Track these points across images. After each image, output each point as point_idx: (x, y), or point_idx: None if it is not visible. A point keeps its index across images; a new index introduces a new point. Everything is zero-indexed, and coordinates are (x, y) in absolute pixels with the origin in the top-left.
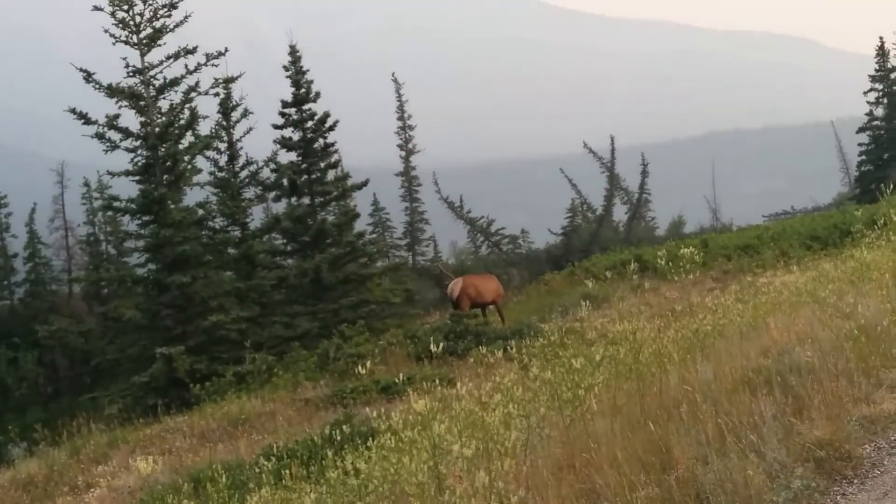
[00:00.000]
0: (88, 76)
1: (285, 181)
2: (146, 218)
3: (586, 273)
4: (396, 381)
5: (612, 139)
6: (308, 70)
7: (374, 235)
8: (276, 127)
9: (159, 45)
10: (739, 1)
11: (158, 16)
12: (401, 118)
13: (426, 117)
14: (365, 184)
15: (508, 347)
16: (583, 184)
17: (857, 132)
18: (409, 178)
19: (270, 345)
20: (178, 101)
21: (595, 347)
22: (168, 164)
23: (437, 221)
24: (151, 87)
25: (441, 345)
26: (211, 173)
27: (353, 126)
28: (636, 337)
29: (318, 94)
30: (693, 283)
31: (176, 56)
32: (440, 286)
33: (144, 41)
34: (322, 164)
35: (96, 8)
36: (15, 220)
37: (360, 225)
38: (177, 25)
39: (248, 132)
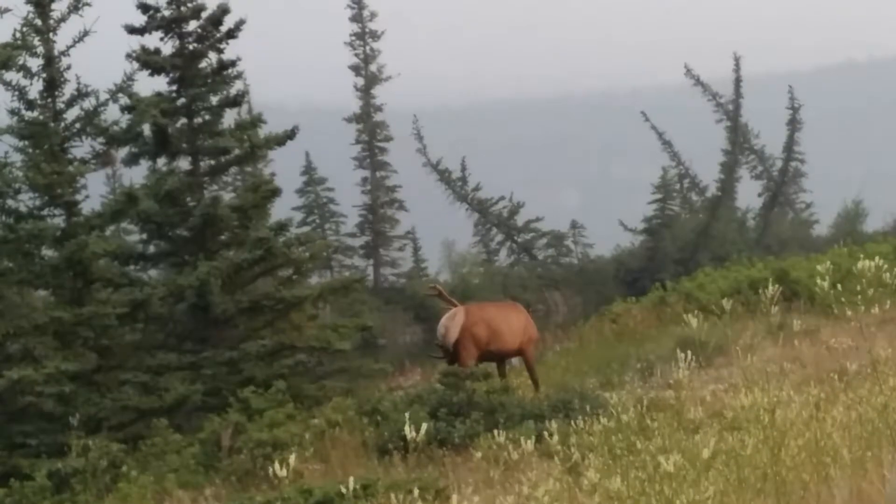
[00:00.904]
0: None
1: (147, 129)
2: None
3: (687, 301)
4: (343, 491)
5: (737, 60)
6: None
7: (308, 229)
8: (131, 31)
9: None
10: None
11: None
12: (357, 19)
13: (398, 30)
14: (292, 135)
15: (546, 433)
16: (679, 141)
17: None
18: (369, 126)
19: (116, 423)
20: None
21: (701, 436)
22: None
23: (419, 203)
24: None
25: (425, 427)
26: (13, 113)
27: (274, 44)
28: (775, 419)
29: None
30: (880, 321)
31: None
32: (427, 321)
33: None
34: (214, 100)
35: None
36: None
37: (282, 209)
38: None
39: (80, 39)
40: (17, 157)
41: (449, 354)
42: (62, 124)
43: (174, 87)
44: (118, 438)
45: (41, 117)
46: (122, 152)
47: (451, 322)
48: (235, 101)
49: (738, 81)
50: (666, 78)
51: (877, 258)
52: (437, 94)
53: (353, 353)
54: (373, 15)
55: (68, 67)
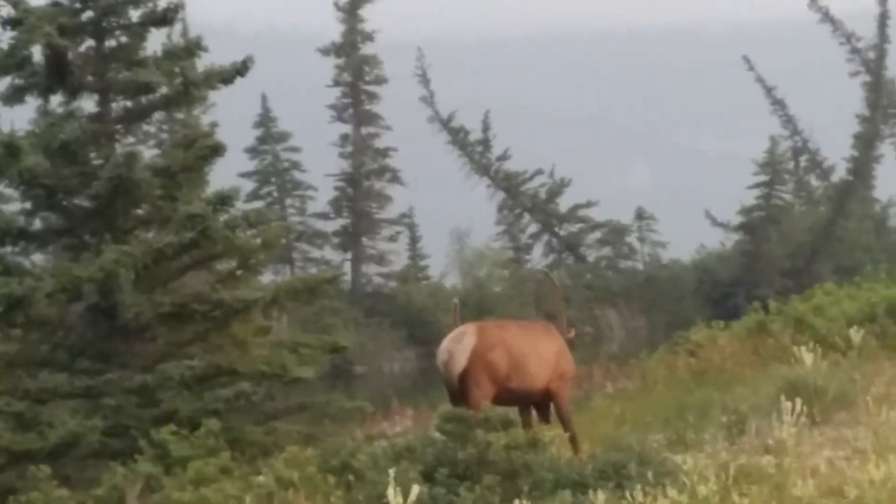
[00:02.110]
0: None
1: (38, 53)
2: None
3: (798, 331)
4: None
5: None
6: None
7: (261, 204)
8: None
9: None
10: None
11: None
12: None
13: None
14: (243, 70)
15: None
16: (797, 101)
17: None
18: (354, 62)
19: None
20: None
21: None
22: None
23: (421, 175)
24: None
25: (416, 493)
26: None
27: None
28: None
29: None
30: None
31: None
32: (426, 344)
33: None
34: (134, 16)
35: None
36: None
37: (226, 175)
38: None
39: None
40: None
41: (453, 391)
42: None
43: None
44: None
45: None
46: (1, 84)
47: (458, 346)
48: (164, 19)
49: (883, 18)
50: (779, 8)
51: None
52: (451, 21)
53: (319, 384)
54: None
55: None
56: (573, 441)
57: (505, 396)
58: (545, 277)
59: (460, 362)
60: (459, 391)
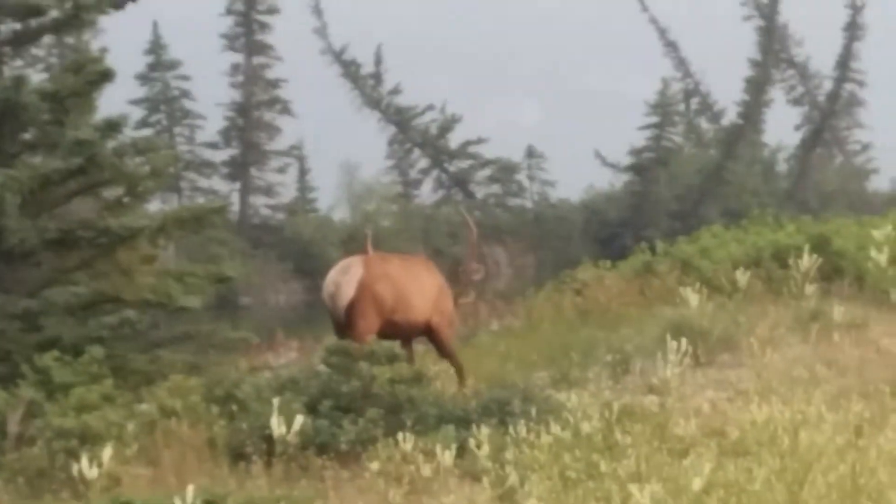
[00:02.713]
0: None
1: None
2: None
3: (685, 272)
4: None
5: None
6: None
7: (150, 132)
8: None
9: None
10: None
11: None
12: None
13: None
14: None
15: (472, 443)
16: (689, 43)
17: None
18: None
19: None
20: None
21: (692, 460)
22: None
23: (311, 106)
24: None
25: (299, 424)
26: None
27: None
28: (798, 443)
29: None
30: None
31: None
32: (312, 276)
33: None
34: None
35: None
36: None
37: (115, 102)
38: None
39: None
40: None
41: (339, 323)
42: None
43: None
44: None
45: None
46: None
47: (344, 277)
48: None
49: None
50: None
51: None
52: None
53: (204, 314)
54: None
55: None
56: (459, 373)
57: (389, 330)
58: (462, 218)
59: (347, 293)
60: (345, 322)
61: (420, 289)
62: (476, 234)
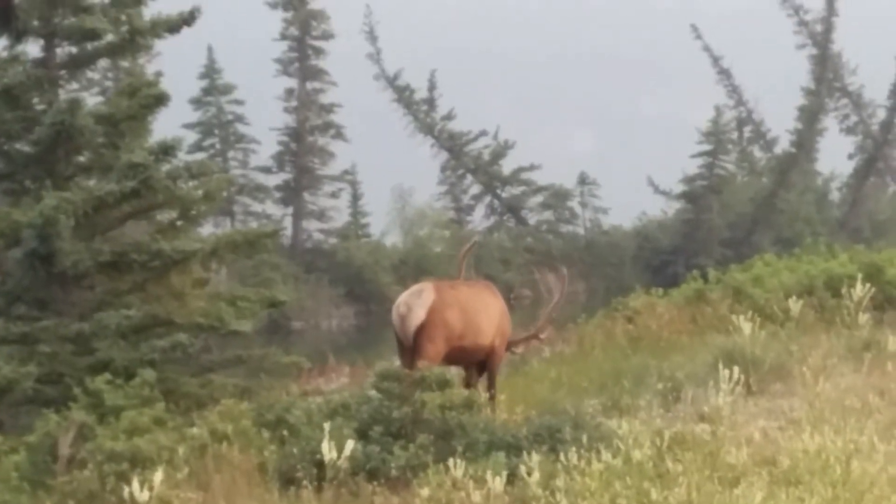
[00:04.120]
0: None
1: None
2: None
3: (737, 300)
4: None
5: None
6: None
7: (204, 156)
8: None
9: None
10: None
11: None
12: None
13: None
14: (190, 20)
15: (523, 470)
16: (743, 71)
17: None
18: (301, 16)
19: None
20: None
21: (744, 489)
22: None
23: (365, 132)
24: None
25: (350, 449)
26: None
27: None
28: (850, 472)
29: None
30: None
31: None
32: (364, 301)
33: None
34: None
35: None
36: None
37: (169, 125)
38: None
39: None
40: None
41: (406, 345)
42: None
43: None
44: None
45: None
46: None
47: (416, 300)
48: None
49: None
50: None
51: None
52: None
53: (256, 338)
54: None
55: None
56: (492, 395)
57: (456, 355)
58: (557, 275)
59: (419, 316)
60: (413, 346)
61: (487, 314)
62: (562, 295)
